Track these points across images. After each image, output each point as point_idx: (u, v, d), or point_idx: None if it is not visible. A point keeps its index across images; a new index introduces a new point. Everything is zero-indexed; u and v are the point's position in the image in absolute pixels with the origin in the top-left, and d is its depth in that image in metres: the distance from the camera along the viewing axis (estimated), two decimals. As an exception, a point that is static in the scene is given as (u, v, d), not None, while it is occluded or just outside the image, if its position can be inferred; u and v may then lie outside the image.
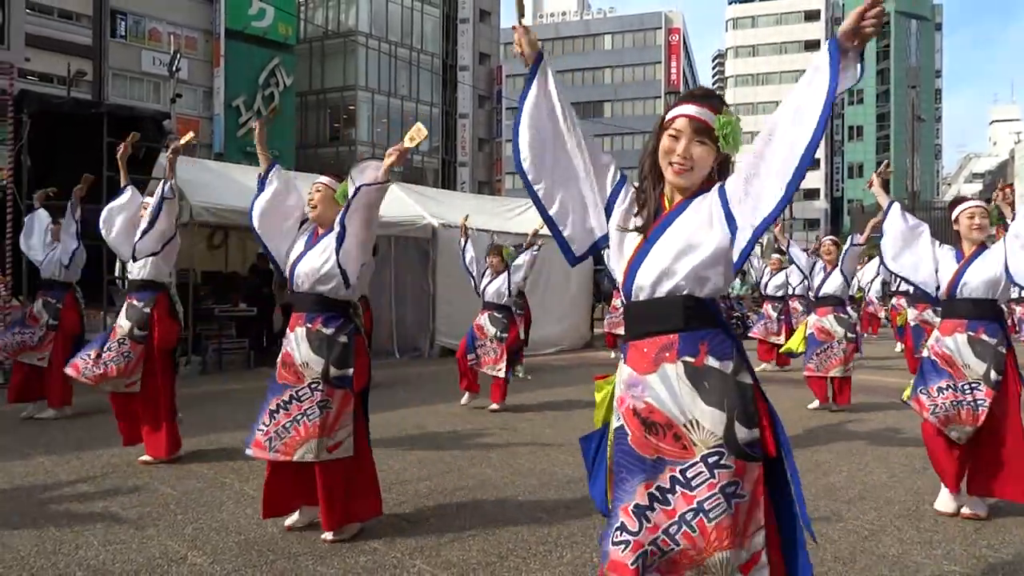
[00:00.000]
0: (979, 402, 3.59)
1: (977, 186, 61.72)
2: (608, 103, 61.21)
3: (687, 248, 1.82)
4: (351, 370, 3.22)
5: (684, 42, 61.81)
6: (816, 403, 6.84)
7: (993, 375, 3.60)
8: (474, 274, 6.90)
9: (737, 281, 17.18)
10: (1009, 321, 9.18)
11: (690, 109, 1.85)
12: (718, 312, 1.85)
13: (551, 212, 2.00)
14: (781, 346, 9.38)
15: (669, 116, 1.88)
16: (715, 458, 1.74)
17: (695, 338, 1.81)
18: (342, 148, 35.07)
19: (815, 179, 61.73)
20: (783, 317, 9.76)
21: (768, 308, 10.06)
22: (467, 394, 6.85)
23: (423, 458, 4.81)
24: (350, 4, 35.28)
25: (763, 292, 10.34)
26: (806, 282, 7.41)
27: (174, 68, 9.00)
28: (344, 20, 35.50)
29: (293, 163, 28.02)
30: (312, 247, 3.31)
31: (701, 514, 1.71)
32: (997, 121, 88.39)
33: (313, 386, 3.18)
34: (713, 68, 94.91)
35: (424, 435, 5.60)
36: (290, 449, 3.14)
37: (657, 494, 1.76)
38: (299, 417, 3.16)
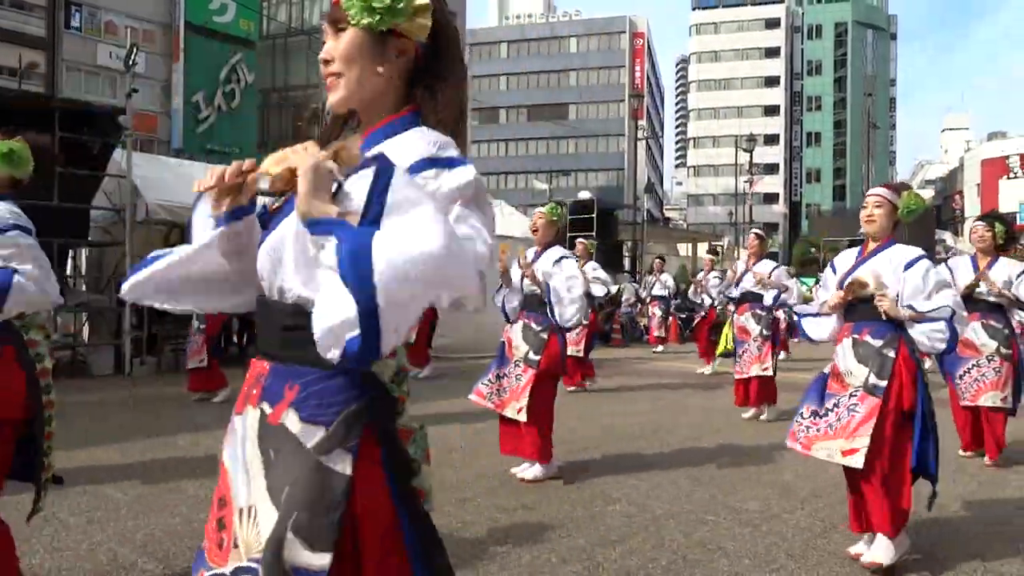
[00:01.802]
0: (852, 409, 3.03)
1: (929, 192, 63.56)
2: (573, 105, 61.55)
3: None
4: None
5: (648, 46, 62.51)
6: (751, 411, 6.53)
7: (872, 379, 3.02)
8: None
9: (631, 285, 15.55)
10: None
11: None
12: None
13: None
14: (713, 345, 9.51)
15: None
16: None
17: (288, 376, 1.16)
18: (305, 146, 34.71)
19: (774, 184, 62.93)
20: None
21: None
22: None
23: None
24: (313, 1, 34.91)
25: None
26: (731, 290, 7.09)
27: (130, 62, 8.77)
28: (308, 17, 35.10)
29: (255, 161, 27.59)
30: None
31: None
32: (949, 130, 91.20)
33: None
34: (676, 73, 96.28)
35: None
36: None
37: None
38: None
